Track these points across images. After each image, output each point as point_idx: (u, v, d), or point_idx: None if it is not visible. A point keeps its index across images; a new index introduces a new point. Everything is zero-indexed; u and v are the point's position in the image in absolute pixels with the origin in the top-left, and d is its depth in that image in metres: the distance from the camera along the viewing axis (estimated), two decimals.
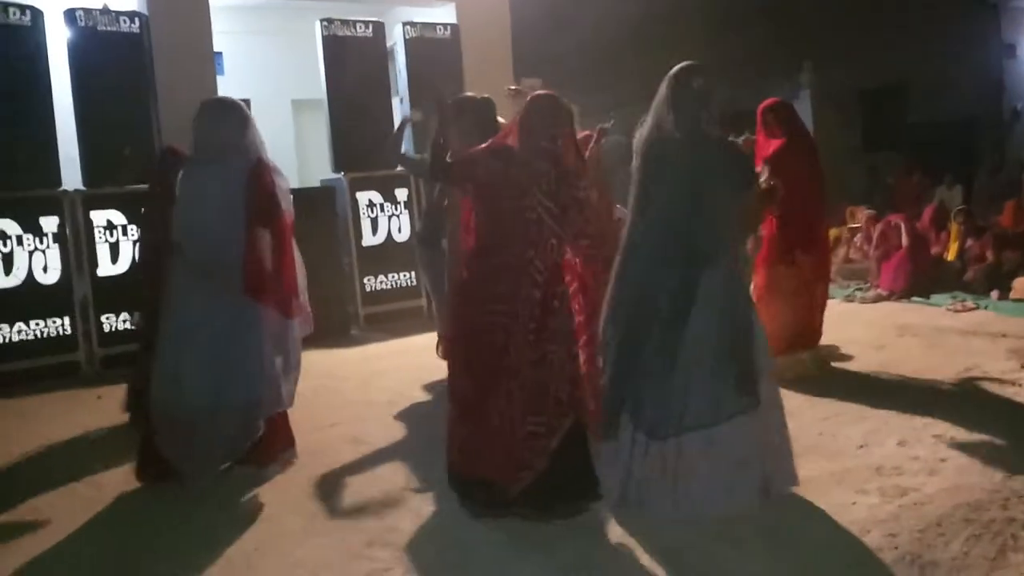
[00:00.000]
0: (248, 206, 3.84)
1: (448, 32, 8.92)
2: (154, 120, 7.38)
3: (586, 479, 3.37)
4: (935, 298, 7.93)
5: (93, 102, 7.08)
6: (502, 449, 3.31)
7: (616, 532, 3.28)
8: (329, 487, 3.97)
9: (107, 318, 6.92)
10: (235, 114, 3.99)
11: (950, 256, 8.91)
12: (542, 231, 3.34)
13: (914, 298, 8.01)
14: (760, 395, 3.34)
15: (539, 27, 11.26)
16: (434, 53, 8.66)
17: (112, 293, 6.89)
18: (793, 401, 4.88)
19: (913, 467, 3.76)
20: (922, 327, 6.73)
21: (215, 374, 3.81)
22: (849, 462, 3.88)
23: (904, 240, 8.45)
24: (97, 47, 7.12)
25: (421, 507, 3.59)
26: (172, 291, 3.92)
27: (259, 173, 3.89)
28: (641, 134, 3.58)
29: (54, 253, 6.72)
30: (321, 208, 7.76)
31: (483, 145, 3.56)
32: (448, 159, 3.55)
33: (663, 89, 3.52)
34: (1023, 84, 16.71)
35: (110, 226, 6.97)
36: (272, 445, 4.01)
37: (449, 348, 3.76)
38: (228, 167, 3.89)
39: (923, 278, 8.26)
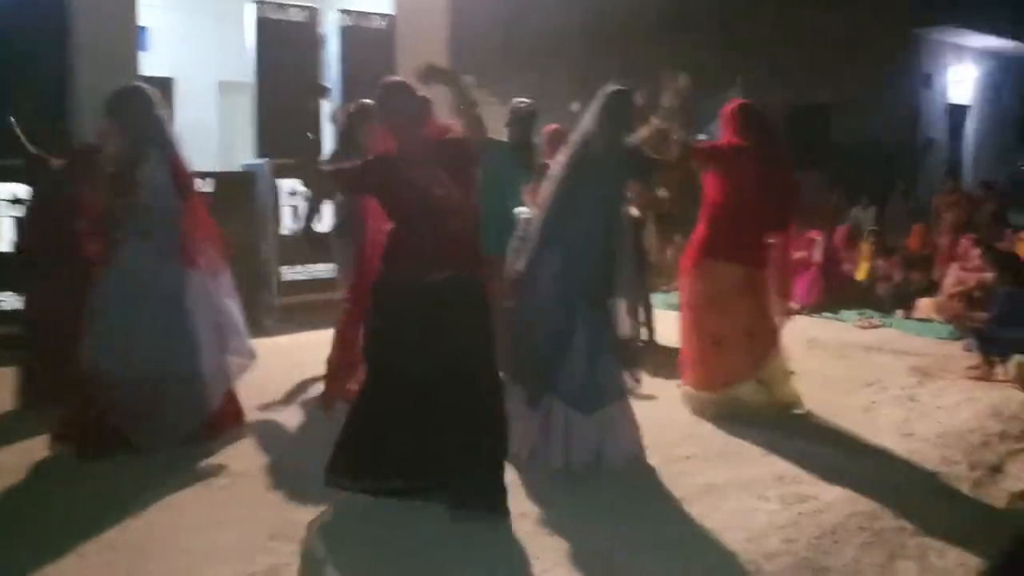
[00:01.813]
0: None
1: (384, 23, 8.82)
2: (70, 94, 7.08)
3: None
4: (843, 314, 8.22)
5: (7, 71, 6.75)
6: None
7: (517, 535, 3.27)
8: (233, 478, 3.87)
9: None
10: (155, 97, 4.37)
11: (860, 275, 9.23)
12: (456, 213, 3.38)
13: (824, 313, 8.27)
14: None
15: (477, 23, 11.23)
16: (368, 43, 8.56)
17: None
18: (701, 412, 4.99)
19: (813, 475, 3.87)
20: (830, 341, 6.95)
21: (161, 345, 4.07)
22: (753, 470, 3.97)
23: (817, 256, 8.72)
24: (12, 8, 6.80)
25: (323, 501, 3.53)
26: (113, 263, 4.13)
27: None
28: (575, 142, 4.09)
29: None
30: (241, 193, 7.57)
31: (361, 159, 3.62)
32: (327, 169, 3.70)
33: (593, 108, 4.06)
34: (937, 113, 17.44)
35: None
36: (221, 420, 4.28)
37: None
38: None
39: (834, 294, 8.55)
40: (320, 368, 5.05)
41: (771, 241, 4.91)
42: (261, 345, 6.96)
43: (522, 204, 4.90)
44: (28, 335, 4.92)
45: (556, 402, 3.84)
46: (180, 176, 4.31)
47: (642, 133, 4.43)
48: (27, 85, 6.74)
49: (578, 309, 3.85)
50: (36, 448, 4.10)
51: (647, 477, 3.89)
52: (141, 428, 4.04)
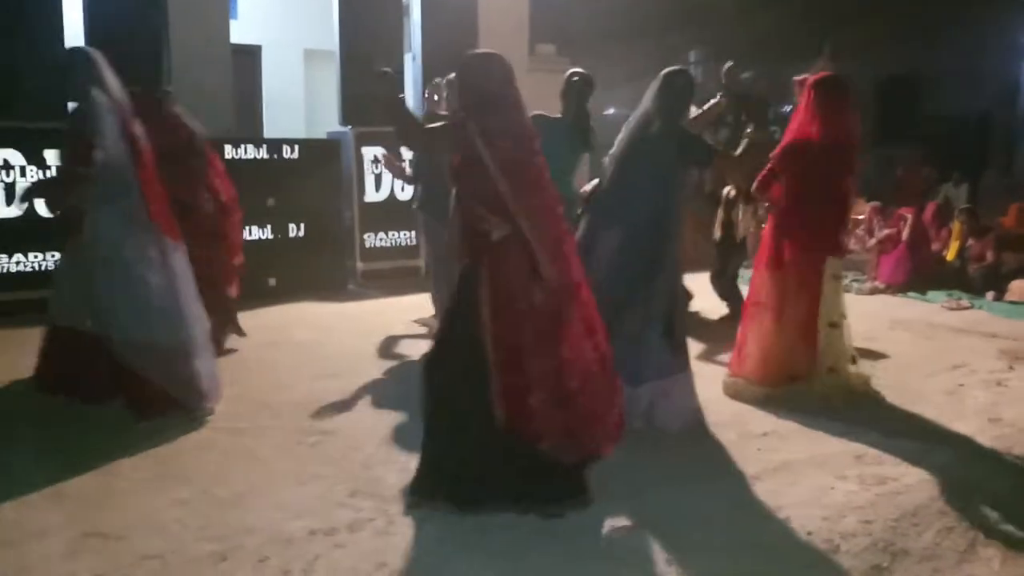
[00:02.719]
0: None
1: None
2: (165, 58, 7.33)
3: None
4: (931, 295, 7.97)
5: (104, 38, 6.99)
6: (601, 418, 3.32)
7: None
8: (319, 436, 4.02)
9: None
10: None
11: (950, 255, 8.92)
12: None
13: (910, 293, 8.04)
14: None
15: None
16: (450, 12, 8.59)
17: None
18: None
19: (894, 457, 3.81)
20: (915, 322, 6.77)
21: (146, 309, 4.08)
22: (831, 448, 3.93)
23: (905, 234, 8.47)
24: None
25: (409, 461, 3.64)
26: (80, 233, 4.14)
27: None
28: (632, 122, 4.18)
29: None
30: (325, 161, 7.76)
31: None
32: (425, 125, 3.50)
33: (651, 89, 4.13)
34: None
35: None
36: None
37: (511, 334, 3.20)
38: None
39: (922, 274, 8.30)
40: (402, 329, 5.16)
41: (845, 224, 4.78)
42: (345, 309, 7.26)
43: (575, 179, 4.92)
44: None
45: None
46: (134, 143, 4.18)
47: (696, 115, 4.53)
48: (124, 54, 6.97)
49: (634, 284, 3.97)
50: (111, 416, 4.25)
51: (720, 450, 3.90)
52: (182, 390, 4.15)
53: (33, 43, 6.64)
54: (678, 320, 4.16)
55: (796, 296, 4.55)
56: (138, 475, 3.55)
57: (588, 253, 3.97)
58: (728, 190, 6.56)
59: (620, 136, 4.22)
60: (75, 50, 4.52)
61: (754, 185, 4.76)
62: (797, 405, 4.45)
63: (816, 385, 4.55)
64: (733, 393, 4.71)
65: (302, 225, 7.58)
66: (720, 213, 6.64)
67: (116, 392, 4.20)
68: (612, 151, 4.24)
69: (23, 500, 3.29)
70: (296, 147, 7.58)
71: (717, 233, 6.68)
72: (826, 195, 4.55)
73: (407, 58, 8.77)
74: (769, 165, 4.66)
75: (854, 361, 4.74)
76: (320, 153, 7.78)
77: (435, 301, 5.72)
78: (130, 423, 4.07)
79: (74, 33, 6.95)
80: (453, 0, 8.73)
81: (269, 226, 7.41)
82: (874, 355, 5.56)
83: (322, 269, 7.65)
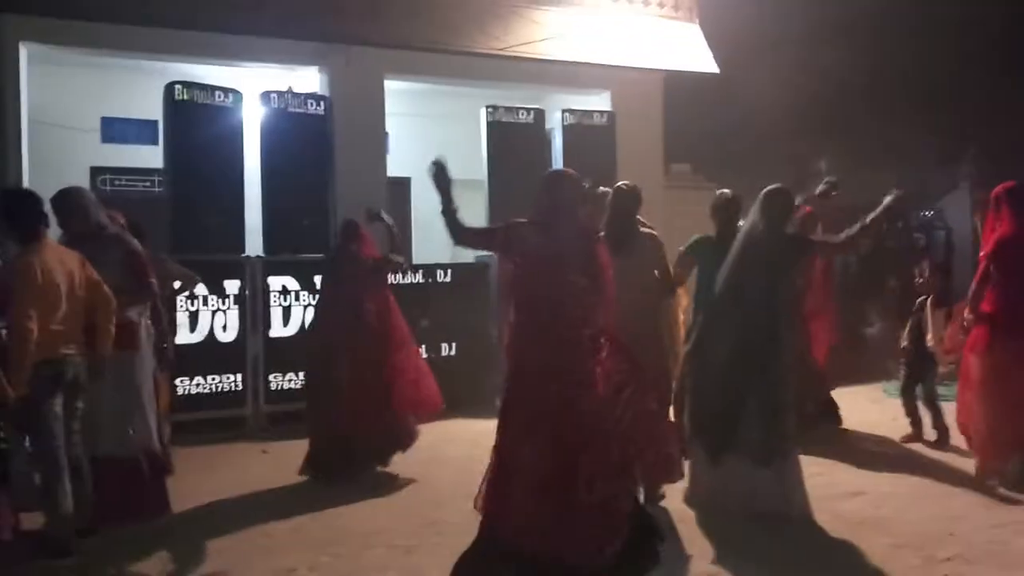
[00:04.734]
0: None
1: (604, 119, 9.25)
2: (330, 194, 7.97)
3: (650, 541, 3.41)
4: None
5: (278, 176, 7.73)
6: (583, 523, 3.29)
7: None
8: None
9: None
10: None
11: None
12: (585, 303, 3.46)
13: None
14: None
15: (690, 113, 11.47)
16: (590, 138, 9.00)
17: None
18: (962, 500, 4.71)
19: None
20: None
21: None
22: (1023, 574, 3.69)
23: None
24: (285, 126, 7.81)
25: None
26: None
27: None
28: (742, 232, 4.77)
29: (234, 314, 7.24)
30: (475, 283, 8.12)
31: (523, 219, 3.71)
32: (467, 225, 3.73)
33: (756, 204, 4.70)
34: None
35: (284, 291, 7.48)
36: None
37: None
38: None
39: None
40: None
41: None
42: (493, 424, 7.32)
43: None
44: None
45: (735, 457, 4.42)
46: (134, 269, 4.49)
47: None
48: (299, 185, 7.67)
49: (751, 377, 4.43)
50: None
51: None
52: None
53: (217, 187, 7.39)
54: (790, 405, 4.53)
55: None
56: None
57: (708, 349, 4.60)
58: (922, 299, 6.36)
59: (734, 245, 4.74)
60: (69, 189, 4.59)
61: (971, 290, 5.13)
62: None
63: None
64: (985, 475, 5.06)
65: (453, 344, 7.89)
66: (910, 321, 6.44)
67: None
68: (728, 258, 4.72)
69: None
70: (449, 271, 7.99)
71: (905, 341, 6.45)
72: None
73: None
74: (982, 266, 5.06)
75: None
76: (470, 275, 8.15)
77: None
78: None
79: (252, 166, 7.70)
80: (593, 127, 9.14)
81: (424, 346, 7.74)
82: None
83: (473, 386, 7.87)
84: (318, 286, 6.88)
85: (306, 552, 4.16)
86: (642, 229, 4.96)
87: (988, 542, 4.06)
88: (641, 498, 4.53)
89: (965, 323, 5.23)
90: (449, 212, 3.68)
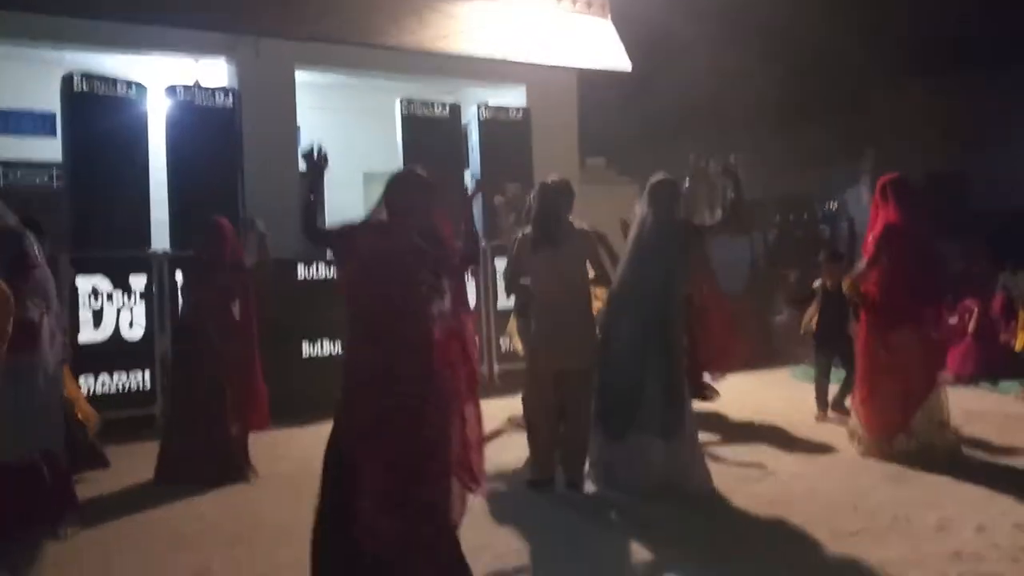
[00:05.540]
0: None
1: (520, 114, 9.29)
2: (239, 189, 7.77)
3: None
4: (1002, 385, 7.82)
5: (185, 170, 7.49)
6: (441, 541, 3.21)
7: None
8: None
9: None
10: None
11: (1018, 344, 8.77)
12: (427, 303, 3.28)
13: (981, 384, 7.91)
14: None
15: (604, 108, 11.63)
16: (506, 132, 9.02)
17: None
18: (865, 479, 4.91)
19: (993, 554, 3.72)
20: (991, 414, 6.64)
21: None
22: (926, 547, 3.85)
23: (971, 326, 8.39)
24: (192, 120, 7.58)
25: None
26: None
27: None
28: (634, 225, 4.95)
29: (140, 310, 6.96)
30: None
31: (362, 220, 3.48)
32: (325, 227, 3.60)
33: (643, 195, 4.93)
34: None
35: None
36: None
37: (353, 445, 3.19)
38: None
39: (990, 365, 8.16)
40: None
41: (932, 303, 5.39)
42: (490, 405, 7.12)
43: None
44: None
45: (636, 433, 4.64)
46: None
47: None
48: (206, 180, 7.45)
49: (650, 359, 4.68)
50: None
51: (817, 555, 3.84)
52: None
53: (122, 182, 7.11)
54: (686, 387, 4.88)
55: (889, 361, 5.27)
56: None
57: (608, 338, 4.81)
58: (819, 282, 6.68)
59: (628, 239, 4.96)
60: None
61: (856, 274, 5.49)
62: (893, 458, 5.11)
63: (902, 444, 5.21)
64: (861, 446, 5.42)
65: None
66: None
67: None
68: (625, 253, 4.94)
69: None
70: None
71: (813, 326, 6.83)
72: (905, 279, 5.24)
73: (466, 175, 9.14)
74: (871, 251, 5.32)
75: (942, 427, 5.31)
76: None
77: None
78: None
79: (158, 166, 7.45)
80: (508, 122, 9.16)
81: (338, 342, 7.61)
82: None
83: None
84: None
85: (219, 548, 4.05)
86: (577, 226, 4.98)
87: (892, 517, 4.24)
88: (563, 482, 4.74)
89: (847, 293, 5.72)
90: (306, 204, 3.49)
